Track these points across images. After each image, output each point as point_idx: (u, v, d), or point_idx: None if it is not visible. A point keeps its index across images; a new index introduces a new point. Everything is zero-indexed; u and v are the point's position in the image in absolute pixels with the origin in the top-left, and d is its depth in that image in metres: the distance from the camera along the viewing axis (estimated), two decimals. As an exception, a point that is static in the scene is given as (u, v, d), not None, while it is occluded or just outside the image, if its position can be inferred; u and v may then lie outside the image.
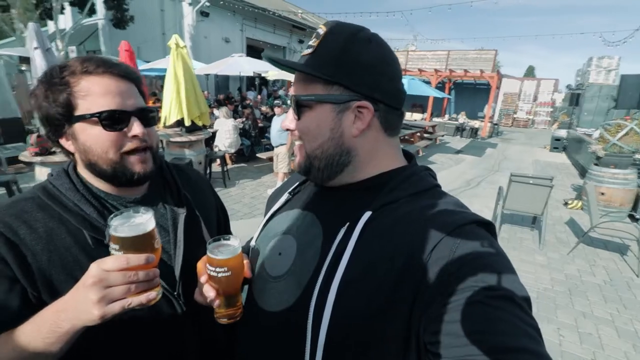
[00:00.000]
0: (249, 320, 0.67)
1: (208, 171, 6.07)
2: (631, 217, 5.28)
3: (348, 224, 0.58)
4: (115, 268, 0.52)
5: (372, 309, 0.51)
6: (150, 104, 6.79)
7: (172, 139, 5.52)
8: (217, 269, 0.60)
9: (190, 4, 13.34)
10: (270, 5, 16.55)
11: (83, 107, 0.67)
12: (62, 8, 10.02)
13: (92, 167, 0.70)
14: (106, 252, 0.56)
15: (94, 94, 0.67)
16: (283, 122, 0.66)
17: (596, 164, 5.64)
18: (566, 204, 5.95)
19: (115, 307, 0.52)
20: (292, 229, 0.67)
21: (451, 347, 0.43)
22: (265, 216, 0.78)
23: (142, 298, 0.54)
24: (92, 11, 11.03)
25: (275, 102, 6.33)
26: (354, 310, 0.52)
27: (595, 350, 2.55)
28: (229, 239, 0.65)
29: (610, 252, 4.18)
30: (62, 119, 0.68)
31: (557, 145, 11.75)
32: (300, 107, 0.62)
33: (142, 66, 9.44)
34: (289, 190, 0.77)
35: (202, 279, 0.63)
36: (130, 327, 0.68)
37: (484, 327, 0.42)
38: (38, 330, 0.56)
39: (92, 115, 0.66)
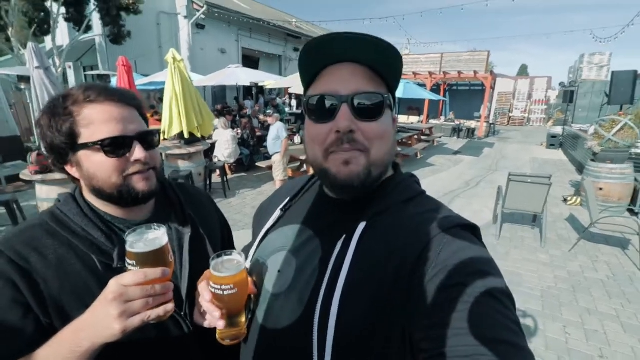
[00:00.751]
0: (249, 338, 0.66)
1: (208, 182, 6.09)
2: (630, 211, 5.31)
3: (345, 236, 0.58)
4: (133, 283, 0.54)
5: (373, 315, 0.52)
6: (149, 116, 6.85)
7: (170, 152, 5.55)
8: (223, 287, 0.58)
9: (185, 17, 13.50)
10: (264, 15, 16.75)
11: (86, 135, 0.69)
12: (56, 23, 10.12)
13: (97, 192, 0.72)
14: (110, 274, 0.58)
15: (97, 121, 0.69)
16: (340, 124, 0.56)
17: (593, 160, 5.68)
18: (565, 200, 5.98)
19: (136, 321, 0.54)
20: (289, 246, 0.67)
21: (433, 340, 0.45)
22: (257, 233, 0.77)
23: (160, 311, 0.56)
24: (89, 27, 11.17)
25: (267, 111, 6.40)
26: (357, 319, 0.53)
27: (602, 347, 2.55)
28: (231, 254, 0.63)
29: (612, 247, 4.20)
30: (66, 147, 0.70)
31: (554, 142, 11.83)
32: (380, 106, 0.58)
33: (139, 80, 9.51)
34: (280, 207, 0.76)
35: (206, 298, 0.60)
36: (139, 348, 0.69)
37: (465, 321, 0.44)
38: (58, 352, 0.56)
39: (95, 143, 0.68)
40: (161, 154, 5.79)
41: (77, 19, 10.57)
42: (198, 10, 13.29)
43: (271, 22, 16.29)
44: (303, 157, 6.12)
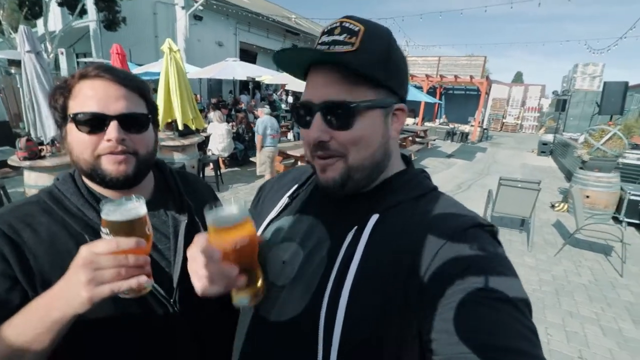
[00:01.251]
0: (250, 330, 0.64)
1: (201, 176, 6.06)
2: (615, 219, 5.43)
3: (356, 227, 0.57)
4: (105, 251, 0.52)
5: (384, 311, 0.51)
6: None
7: (164, 143, 5.50)
8: (234, 239, 0.52)
9: (183, 8, 13.33)
10: (264, 9, 16.63)
11: (71, 108, 0.70)
12: (48, 7, 9.90)
13: (76, 166, 0.72)
14: None
15: (81, 95, 0.69)
16: (311, 134, 0.57)
17: (581, 168, 5.80)
18: (553, 206, 6.10)
19: (105, 290, 0.51)
20: (295, 236, 0.64)
21: (445, 344, 0.43)
22: (260, 212, 0.75)
23: (133, 282, 0.53)
24: (83, 12, 10.95)
25: (264, 105, 6.36)
26: (366, 314, 0.51)
27: (581, 349, 2.62)
28: (229, 203, 0.56)
29: (595, 253, 4.30)
30: (60, 121, 0.72)
31: (545, 149, 12.03)
32: (349, 115, 0.55)
33: (133, 69, 9.38)
34: (288, 194, 0.73)
35: (215, 258, 0.52)
36: (124, 336, 0.68)
37: (479, 327, 0.42)
38: (28, 320, 0.55)
39: (70, 115, 0.69)
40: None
41: (71, 3, 10.35)
42: (196, 1, 13.14)
43: (270, 17, 16.19)
44: (296, 153, 6.11)
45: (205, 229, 0.79)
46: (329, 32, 0.57)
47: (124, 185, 0.73)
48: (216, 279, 0.52)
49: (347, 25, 0.56)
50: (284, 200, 0.73)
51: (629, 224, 5.05)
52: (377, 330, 0.51)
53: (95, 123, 0.68)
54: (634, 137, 7.07)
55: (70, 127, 0.70)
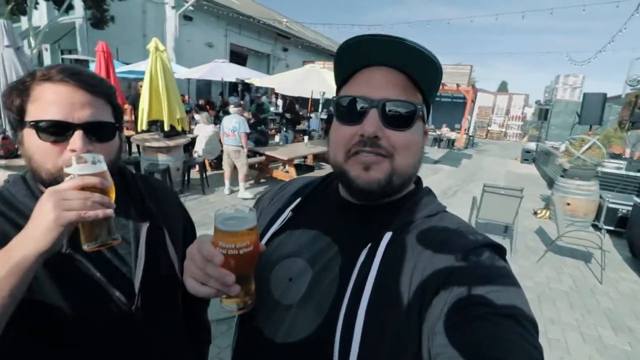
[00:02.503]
0: (254, 352, 0.60)
1: (186, 178, 5.94)
2: (594, 226, 5.59)
3: (370, 244, 0.55)
4: (70, 187, 0.53)
5: (399, 331, 0.50)
6: (126, 107, 6.57)
7: (148, 144, 5.38)
8: (238, 245, 0.50)
9: (173, 8, 13.18)
10: (255, 12, 16.60)
11: (31, 113, 0.65)
12: (37, 3, 9.63)
13: (34, 174, 0.68)
14: (59, 260, 0.56)
15: (42, 100, 0.65)
16: (366, 128, 0.55)
17: (562, 176, 5.95)
18: (535, 213, 6.23)
19: (72, 215, 0.51)
20: (302, 251, 0.61)
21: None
22: (263, 236, 0.69)
23: (99, 211, 0.53)
24: (70, 7, 10.68)
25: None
26: (383, 334, 0.50)
27: (562, 356, 2.66)
28: (238, 207, 0.55)
29: (576, 260, 4.40)
30: (15, 123, 0.68)
31: (528, 157, 12.33)
32: (411, 115, 0.56)
33: (119, 68, 9.19)
34: (291, 207, 0.69)
35: (217, 261, 0.48)
36: (82, 343, 0.66)
37: (485, 344, 0.42)
38: None
39: (30, 122, 0.64)
40: (138, 146, 5.60)
41: (57, -1, 10.10)
42: (187, 1, 13.02)
43: (261, 19, 16.17)
44: (284, 157, 6.07)
45: (169, 233, 0.81)
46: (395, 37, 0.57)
47: None
48: (210, 282, 0.49)
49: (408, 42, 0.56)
50: (287, 213, 0.69)
51: (608, 231, 5.20)
52: (394, 351, 0.49)
53: (58, 131, 0.64)
54: (612, 147, 7.33)
55: (29, 132, 0.65)
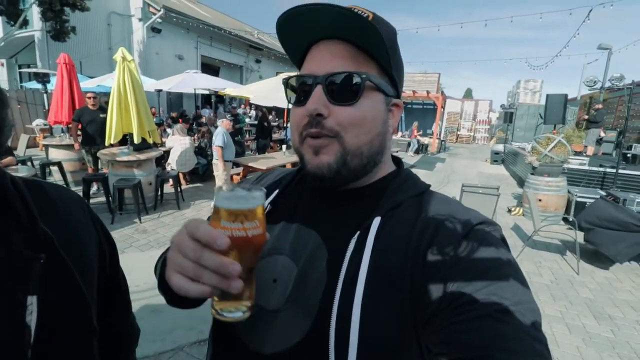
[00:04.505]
0: None
1: (159, 193, 5.66)
2: (565, 219, 5.85)
3: (358, 232, 0.51)
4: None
5: (400, 323, 0.46)
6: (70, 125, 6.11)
7: (118, 158, 5.08)
8: (247, 225, 0.40)
9: (140, 20, 12.85)
10: (225, 24, 16.51)
11: None
12: None
13: None
14: None
15: None
16: (308, 106, 0.50)
17: (532, 174, 6.23)
18: (510, 211, 6.45)
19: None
20: (284, 248, 0.56)
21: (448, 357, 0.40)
22: None
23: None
24: (26, 22, 10.11)
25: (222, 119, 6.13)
26: (382, 330, 0.45)
27: (551, 348, 2.66)
28: (235, 190, 0.43)
29: (552, 254, 4.56)
30: None
31: (497, 158, 12.87)
32: (355, 87, 0.50)
33: (85, 82, 8.75)
34: (269, 200, 0.63)
35: (222, 245, 0.37)
36: None
37: (490, 342, 0.39)
38: None
39: None
40: (100, 160, 5.28)
41: (12, 13, 9.53)
42: (154, 14, 12.73)
43: (232, 31, 16.09)
44: (262, 167, 5.95)
45: (77, 266, 0.57)
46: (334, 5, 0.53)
47: None
48: (205, 276, 0.37)
49: (355, 10, 0.51)
50: (266, 207, 0.63)
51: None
52: (395, 348, 0.46)
53: None
54: (573, 145, 7.78)
55: None
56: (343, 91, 0.50)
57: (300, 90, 0.54)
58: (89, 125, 5.44)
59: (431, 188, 0.59)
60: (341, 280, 0.48)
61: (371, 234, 0.49)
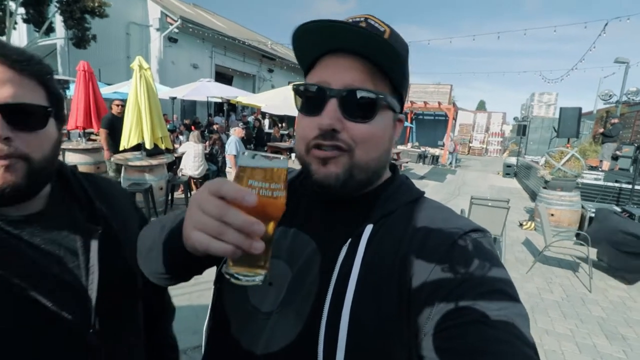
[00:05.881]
0: None
1: (170, 197, 5.76)
2: (578, 235, 5.69)
3: (350, 240, 0.52)
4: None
5: (388, 329, 0.47)
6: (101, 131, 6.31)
7: (130, 163, 5.22)
8: (274, 186, 0.40)
9: (158, 30, 13.29)
10: (239, 34, 16.92)
11: None
12: (15, 23, 9.50)
13: None
14: None
15: None
16: (323, 120, 0.50)
17: (545, 187, 6.10)
18: (521, 225, 6.31)
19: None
20: (280, 252, 0.57)
21: None
22: None
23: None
24: (51, 29, 10.58)
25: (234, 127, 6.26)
26: (370, 337, 0.46)
27: (559, 367, 2.60)
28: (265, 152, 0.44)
29: (564, 270, 4.43)
30: None
31: (509, 171, 12.66)
32: (372, 106, 0.52)
33: (103, 89, 9.06)
34: None
35: (250, 201, 0.36)
36: None
37: (480, 347, 0.39)
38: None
39: None
40: (121, 165, 5.43)
41: (37, 20, 9.99)
42: (171, 24, 13.15)
43: (247, 41, 16.46)
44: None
45: (126, 240, 0.69)
46: (354, 24, 0.52)
47: (12, 199, 0.56)
48: (228, 234, 0.36)
49: (372, 22, 0.52)
50: None
51: (592, 240, 5.30)
52: (383, 353, 0.46)
53: None
54: (588, 160, 7.62)
55: None
56: (359, 109, 0.51)
57: (311, 99, 0.54)
58: (118, 132, 5.38)
59: (442, 200, 0.61)
60: (332, 287, 0.49)
61: (362, 242, 0.50)
